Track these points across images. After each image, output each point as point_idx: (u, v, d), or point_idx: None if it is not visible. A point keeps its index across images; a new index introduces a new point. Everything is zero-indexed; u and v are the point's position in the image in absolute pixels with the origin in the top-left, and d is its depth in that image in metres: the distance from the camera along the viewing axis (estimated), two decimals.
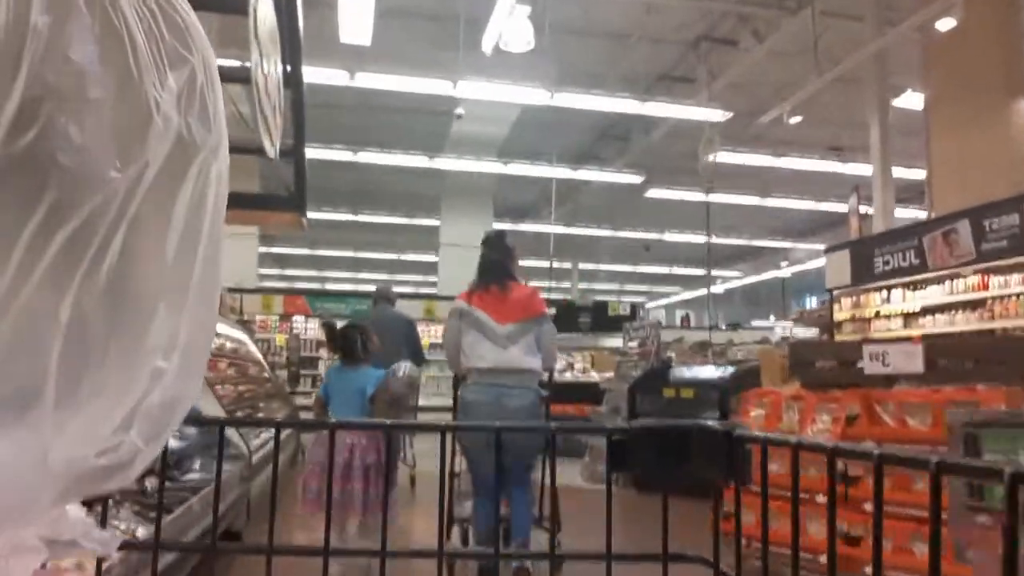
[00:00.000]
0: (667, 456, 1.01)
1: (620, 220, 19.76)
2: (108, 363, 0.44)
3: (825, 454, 0.76)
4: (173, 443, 4.27)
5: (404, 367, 3.95)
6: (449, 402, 4.42)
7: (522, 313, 3.83)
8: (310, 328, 14.01)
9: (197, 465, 4.28)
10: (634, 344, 8.49)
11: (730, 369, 6.61)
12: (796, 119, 10.73)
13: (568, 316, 11.02)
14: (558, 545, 3.44)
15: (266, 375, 8.93)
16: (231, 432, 4.25)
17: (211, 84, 0.52)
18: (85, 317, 0.41)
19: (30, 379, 0.40)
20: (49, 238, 0.39)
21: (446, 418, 5.34)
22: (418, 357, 6.22)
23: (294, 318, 13.99)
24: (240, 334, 8.06)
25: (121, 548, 0.82)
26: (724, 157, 12.48)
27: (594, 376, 9.89)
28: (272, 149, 5.94)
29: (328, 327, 4.32)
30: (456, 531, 4.05)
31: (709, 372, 6.76)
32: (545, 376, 4.00)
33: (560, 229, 18.42)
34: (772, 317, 29.73)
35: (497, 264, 3.99)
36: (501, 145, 14.28)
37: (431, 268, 19.35)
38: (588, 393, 9.14)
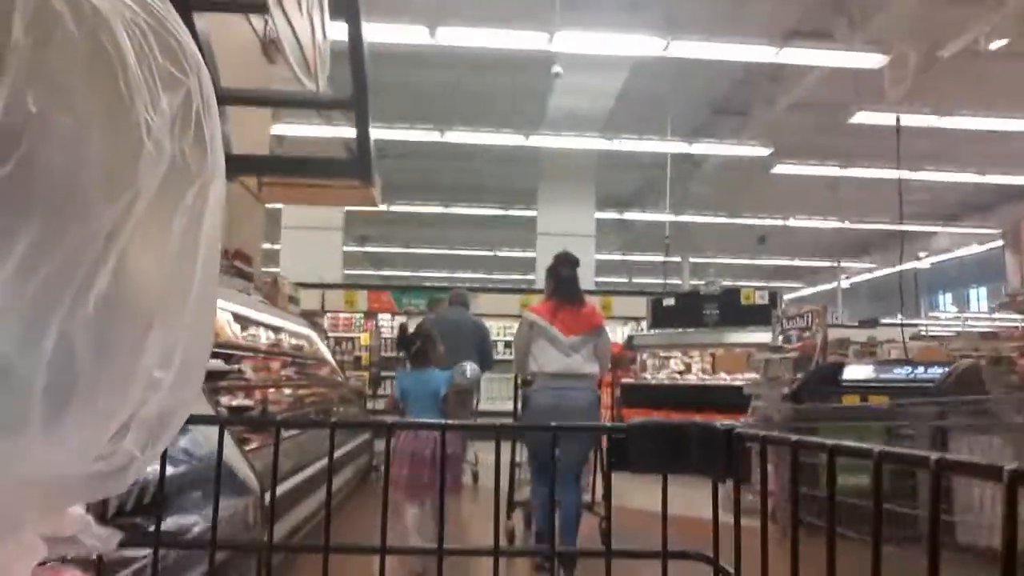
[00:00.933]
0: (666, 455, 1.00)
1: (736, 207, 17.83)
2: (98, 384, 0.43)
3: (825, 452, 0.73)
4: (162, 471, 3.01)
5: (470, 366, 4.47)
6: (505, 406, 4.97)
7: (584, 327, 4.43)
8: (396, 326, 12.91)
9: (191, 502, 3.01)
10: (782, 338, 6.79)
11: (936, 369, 4.87)
12: (999, 43, 8.57)
13: (690, 308, 9.27)
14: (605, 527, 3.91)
15: (339, 378, 7.76)
16: (232, 456, 2.95)
17: (207, 107, 0.49)
18: (72, 345, 0.40)
19: (14, 404, 0.39)
20: (32, 272, 0.38)
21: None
22: (488, 362, 6.60)
23: (379, 315, 12.88)
24: (304, 329, 6.90)
25: (120, 546, 0.61)
26: (869, 118, 10.50)
27: (724, 378, 8.24)
28: (311, 80, 4.47)
29: (402, 328, 4.89)
30: (518, 513, 4.89)
31: (904, 372, 5.02)
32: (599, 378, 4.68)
33: (668, 217, 16.70)
34: (899, 315, 26.90)
35: (573, 283, 4.58)
36: (604, 122, 12.76)
37: (528, 265, 17.86)
38: (719, 398, 7.53)
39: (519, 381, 4.81)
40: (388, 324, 12.96)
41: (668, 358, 10.93)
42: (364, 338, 12.68)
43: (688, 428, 0.98)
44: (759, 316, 8.33)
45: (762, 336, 8.30)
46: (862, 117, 10.37)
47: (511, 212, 17.31)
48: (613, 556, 1.04)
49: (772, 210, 17.71)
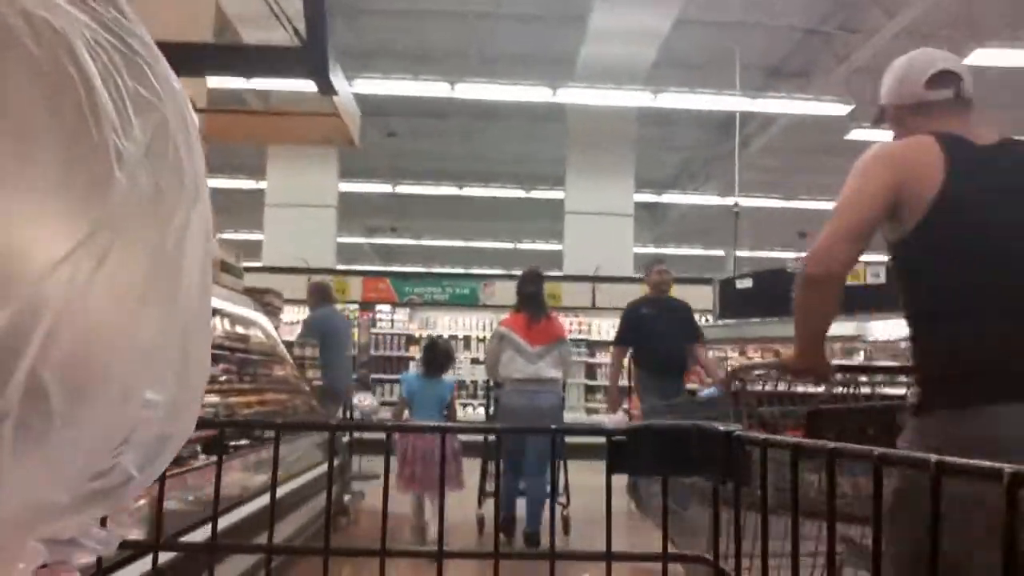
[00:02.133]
0: (666, 457, 1.01)
1: (788, 191, 15.71)
2: (79, 415, 0.40)
3: (824, 454, 0.74)
4: None
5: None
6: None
7: (547, 338, 5.14)
8: (398, 319, 10.89)
9: None
10: None
11: None
12: None
13: (772, 291, 7.11)
14: (567, 515, 4.96)
15: (304, 384, 5.75)
16: None
17: (186, 134, 0.45)
18: (42, 389, 0.37)
19: None
20: None
21: None
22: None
23: (377, 307, 10.85)
24: (249, 312, 4.89)
25: (120, 548, 0.59)
26: (992, 57, 8.38)
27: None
28: None
29: (431, 343, 5.64)
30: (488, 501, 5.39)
31: None
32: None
33: (714, 200, 14.63)
34: None
35: (537, 297, 5.28)
36: (645, 78, 10.72)
37: (553, 259, 15.58)
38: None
39: (491, 384, 5.33)
40: (388, 317, 10.93)
41: (724, 359, 8.94)
42: (361, 335, 10.69)
43: (689, 431, 0.98)
44: (871, 299, 6.30)
45: (848, 326, 6.38)
46: (979, 56, 8.21)
47: (533, 194, 15.24)
48: (613, 559, 1.02)
49: (832, 192, 15.53)
